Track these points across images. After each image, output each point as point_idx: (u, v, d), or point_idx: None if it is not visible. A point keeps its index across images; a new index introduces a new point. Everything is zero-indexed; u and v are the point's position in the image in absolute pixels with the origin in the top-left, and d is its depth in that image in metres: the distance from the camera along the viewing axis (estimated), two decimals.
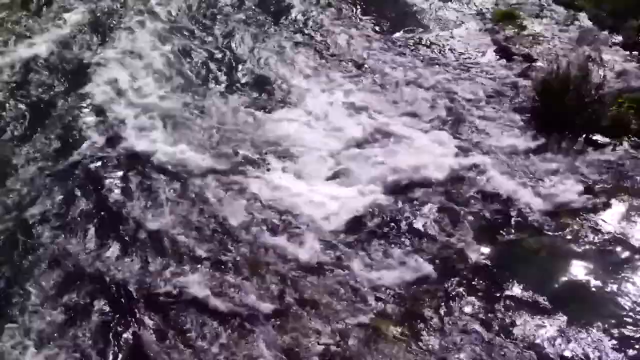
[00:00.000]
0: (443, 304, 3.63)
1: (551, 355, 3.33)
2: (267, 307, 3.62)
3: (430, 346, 3.40)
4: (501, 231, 4.12)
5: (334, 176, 4.63)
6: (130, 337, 3.51)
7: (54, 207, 4.37)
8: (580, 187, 4.38)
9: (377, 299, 3.66)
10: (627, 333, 3.40)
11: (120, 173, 4.69)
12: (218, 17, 6.80)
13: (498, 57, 6.00)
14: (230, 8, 6.96)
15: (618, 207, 4.24)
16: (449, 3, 7.02)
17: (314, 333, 3.47)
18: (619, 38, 6.02)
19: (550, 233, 4.07)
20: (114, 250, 4.04)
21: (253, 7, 6.94)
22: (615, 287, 3.68)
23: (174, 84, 5.71)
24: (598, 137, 4.80)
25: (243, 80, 5.80)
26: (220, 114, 5.33)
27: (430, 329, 3.49)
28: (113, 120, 5.21)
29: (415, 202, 4.36)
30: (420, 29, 6.52)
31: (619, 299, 3.60)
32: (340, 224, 4.19)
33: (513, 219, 4.19)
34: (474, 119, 5.18)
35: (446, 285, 3.75)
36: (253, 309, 3.61)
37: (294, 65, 5.98)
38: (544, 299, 3.61)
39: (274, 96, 5.56)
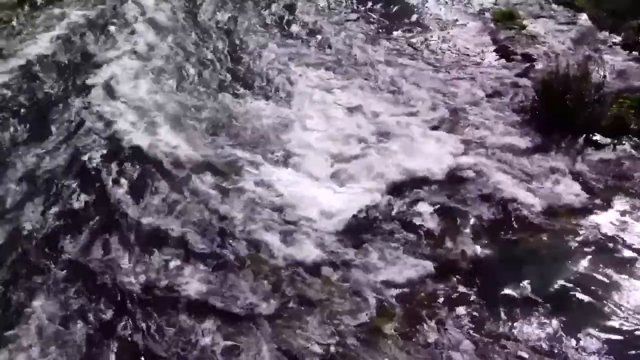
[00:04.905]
0: (443, 303, 3.63)
1: (551, 355, 3.32)
2: (266, 306, 3.61)
3: (430, 346, 3.39)
4: (501, 231, 4.12)
5: (334, 175, 4.62)
6: (127, 336, 3.49)
7: (51, 204, 4.36)
8: (580, 187, 4.38)
9: (377, 299, 3.65)
10: (627, 333, 3.40)
11: (118, 170, 4.67)
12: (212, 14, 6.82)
13: (498, 57, 6.00)
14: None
15: (618, 207, 4.24)
16: (449, 3, 7.03)
17: (314, 333, 3.47)
18: (619, 38, 6.03)
19: (550, 233, 4.07)
20: (111, 247, 4.02)
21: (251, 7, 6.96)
22: (615, 287, 3.67)
23: (173, 81, 5.71)
24: (598, 137, 4.80)
25: (241, 79, 5.80)
26: (219, 112, 5.33)
27: (431, 329, 3.48)
28: (111, 117, 5.20)
29: (415, 201, 4.36)
30: (420, 29, 6.53)
31: (619, 299, 3.60)
32: (340, 223, 4.19)
33: (513, 219, 4.19)
34: (473, 119, 5.19)
35: (446, 285, 3.74)
36: (252, 309, 3.60)
37: (294, 64, 5.99)
38: (543, 299, 3.61)
39: (274, 95, 5.56)
